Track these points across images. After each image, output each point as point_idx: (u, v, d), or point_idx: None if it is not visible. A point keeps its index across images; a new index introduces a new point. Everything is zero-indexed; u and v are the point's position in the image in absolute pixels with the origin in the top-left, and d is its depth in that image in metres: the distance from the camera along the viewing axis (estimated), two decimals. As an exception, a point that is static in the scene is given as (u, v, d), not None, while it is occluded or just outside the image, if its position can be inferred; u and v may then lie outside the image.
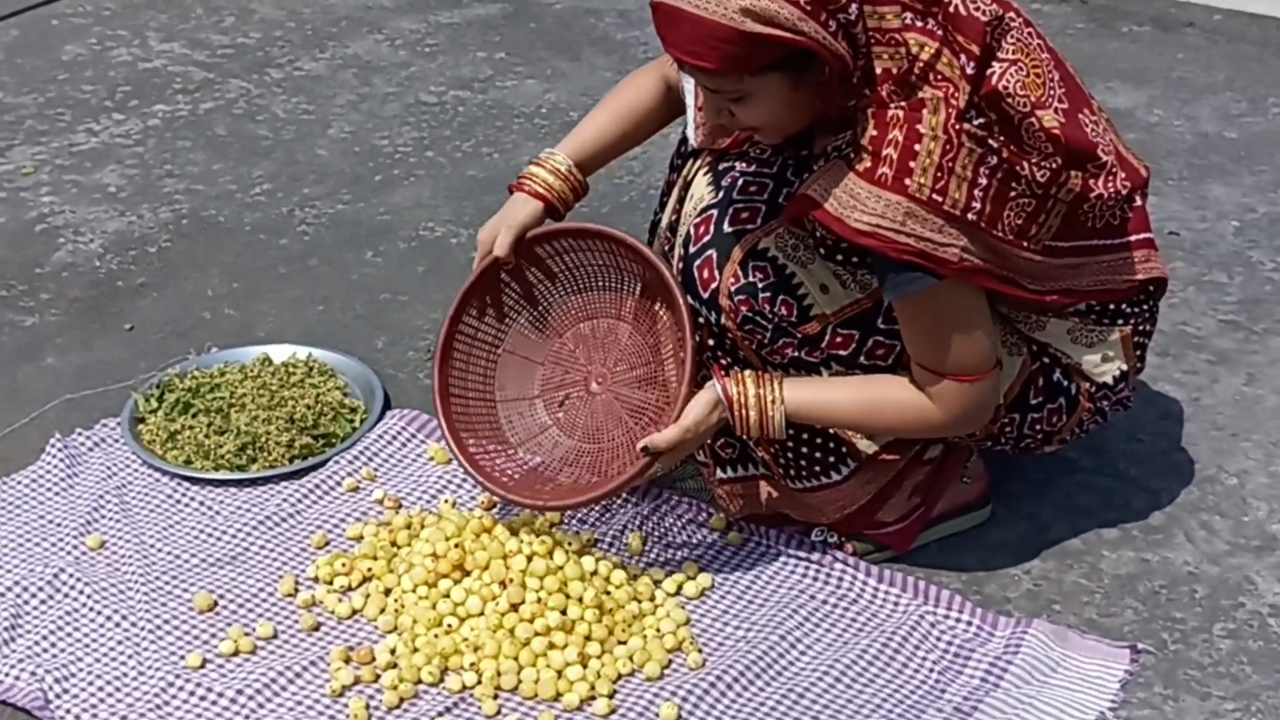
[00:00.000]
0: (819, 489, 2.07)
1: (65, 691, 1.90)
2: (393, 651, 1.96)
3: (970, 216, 1.76)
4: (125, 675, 1.94)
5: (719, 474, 2.16)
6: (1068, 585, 2.12)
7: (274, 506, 2.25)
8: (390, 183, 3.31)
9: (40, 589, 2.07)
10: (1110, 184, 1.88)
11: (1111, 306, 1.98)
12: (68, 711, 1.87)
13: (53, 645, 1.99)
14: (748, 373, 1.95)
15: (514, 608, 1.98)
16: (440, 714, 1.88)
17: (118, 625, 2.02)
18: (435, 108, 3.66)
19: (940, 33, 1.78)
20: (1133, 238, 1.97)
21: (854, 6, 1.71)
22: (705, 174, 2.04)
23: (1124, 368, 2.04)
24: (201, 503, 2.27)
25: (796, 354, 1.95)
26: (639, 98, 2.18)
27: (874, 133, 1.76)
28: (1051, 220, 1.84)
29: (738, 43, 1.66)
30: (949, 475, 2.15)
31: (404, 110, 3.65)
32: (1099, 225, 1.91)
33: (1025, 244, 1.83)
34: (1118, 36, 3.98)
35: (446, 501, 2.24)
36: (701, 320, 2.00)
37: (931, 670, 1.96)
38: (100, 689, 1.91)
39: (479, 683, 1.91)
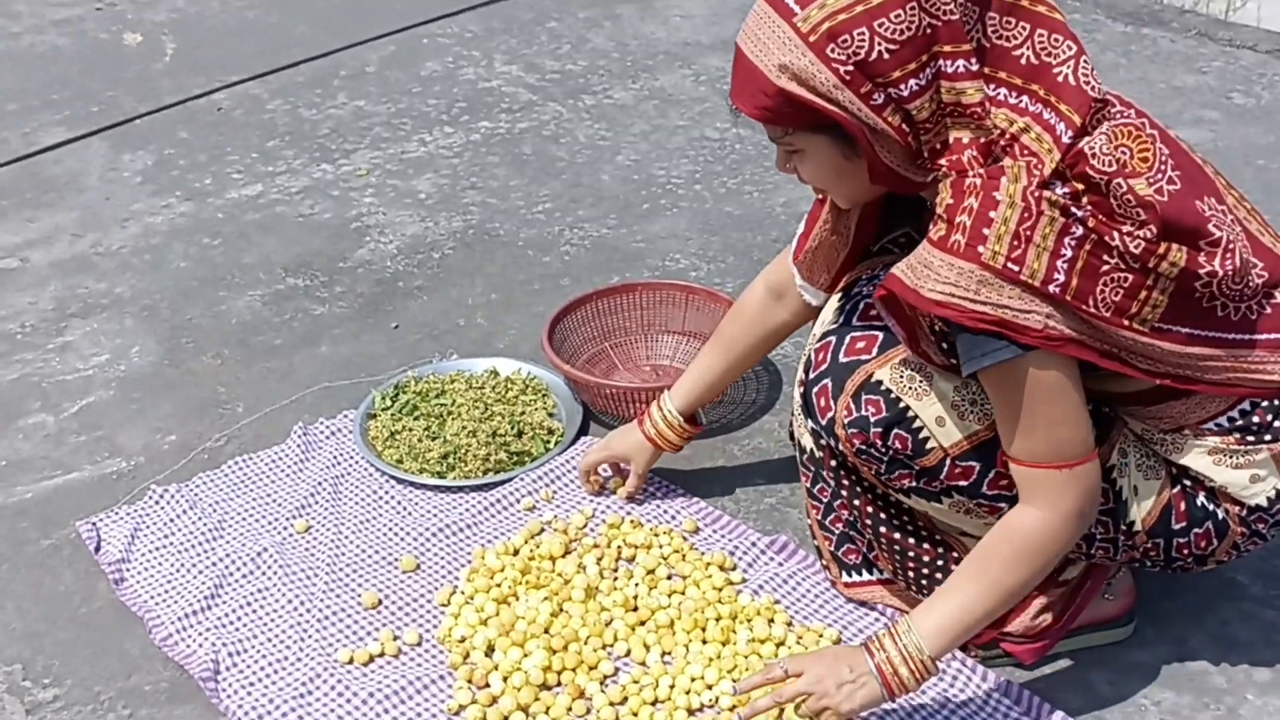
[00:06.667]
0: (940, 596, 1.77)
1: (234, 666, 1.84)
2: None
3: (1053, 289, 1.41)
4: (285, 660, 1.85)
5: (844, 578, 1.89)
6: (1197, 726, 1.73)
7: (457, 515, 2.12)
8: (655, 211, 3.12)
9: (245, 563, 2.02)
10: (1228, 261, 1.46)
11: (1256, 421, 1.58)
12: (229, 685, 1.81)
13: (238, 619, 1.92)
14: (882, 634, 1.59)
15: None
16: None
17: (294, 610, 1.94)
18: (715, 143, 3.44)
19: (1035, 110, 1.45)
20: (1267, 335, 1.55)
21: (911, 82, 1.41)
22: (839, 294, 1.76)
23: (1279, 486, 1.63)
24: (399, 503, 2.16)
25: (914, 484, 1.64)
26: (746, 332, 1.99)
27: (950, 200, 1.44)
28: (1157, 297, 1.45)
29: (772, 96, 1.44)
30: (1089, 593, 1.79)
31: (687, 143, 3.45)
32: (1233, 316, 1.52)
33: (1126, 323, 1.45)
34: None
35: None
36: (824, 444, 1.73)
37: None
38: (262, 669, 1.84)
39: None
